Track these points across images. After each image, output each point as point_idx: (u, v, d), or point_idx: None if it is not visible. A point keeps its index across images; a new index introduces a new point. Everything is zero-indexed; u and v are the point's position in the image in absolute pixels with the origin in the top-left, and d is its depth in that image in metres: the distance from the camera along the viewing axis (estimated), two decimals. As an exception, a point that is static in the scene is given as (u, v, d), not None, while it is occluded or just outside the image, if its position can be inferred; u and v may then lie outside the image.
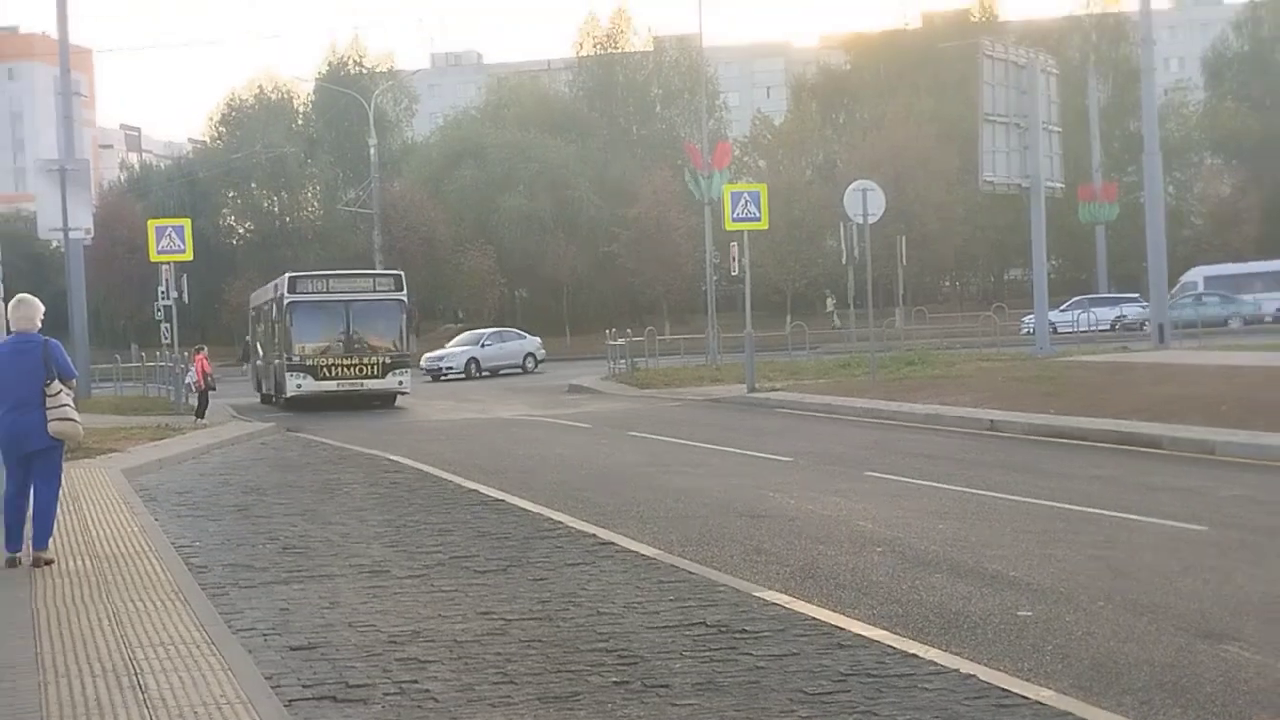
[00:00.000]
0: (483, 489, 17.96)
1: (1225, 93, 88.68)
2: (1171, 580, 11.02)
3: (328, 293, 36.45)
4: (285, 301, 35.42)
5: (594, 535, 13.84)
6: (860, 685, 8.15)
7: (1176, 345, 42.04)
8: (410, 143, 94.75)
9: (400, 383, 36.18)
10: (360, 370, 35.13)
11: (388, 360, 35.50)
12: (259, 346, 43.73)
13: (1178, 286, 61.25)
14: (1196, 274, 62.07)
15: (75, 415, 12.14)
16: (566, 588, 11.34)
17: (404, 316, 36.93)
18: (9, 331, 12.58)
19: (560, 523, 14.84)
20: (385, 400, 36.50)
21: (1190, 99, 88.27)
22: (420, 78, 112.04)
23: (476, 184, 78.00)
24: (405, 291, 37.06)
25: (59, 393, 11.84)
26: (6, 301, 13.43)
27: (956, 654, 8.77)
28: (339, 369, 34.90)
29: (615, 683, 8.38)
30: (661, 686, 8.26)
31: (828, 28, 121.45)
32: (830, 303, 63.21)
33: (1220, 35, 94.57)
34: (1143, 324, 51.78)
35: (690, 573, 11.72)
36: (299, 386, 34.84)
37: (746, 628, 9.68)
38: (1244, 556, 11.98)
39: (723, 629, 9.66)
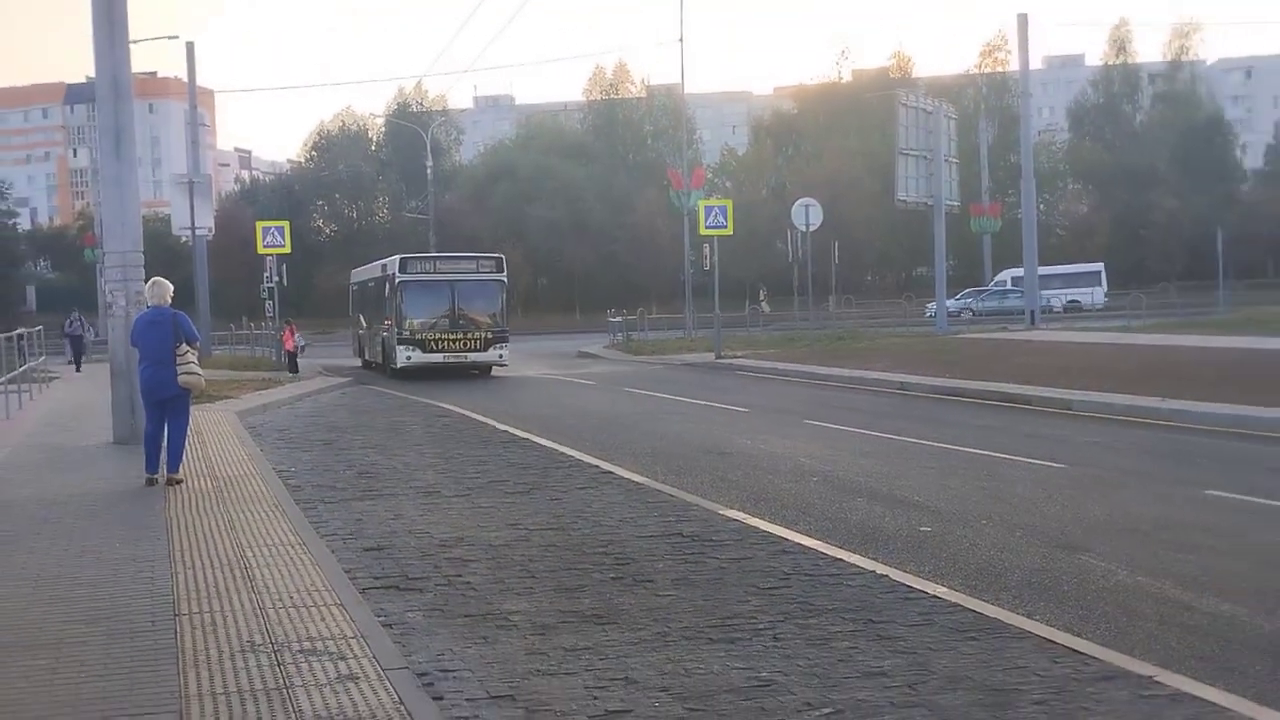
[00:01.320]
0: (512, 430, 17.97)
1: (1084, 135, 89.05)
2: (1038, 505, 11.06)
3: (435, 273, 32.09)
4: (396, 280, 30.76)
5: (597, 466, 13.87)
6: (800, 581, 8.20)
7: (1043, 327, 42.17)
8: (458, 165, 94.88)
9: (500, 355, 31.13)
10: (465, 344, 30.49)
11: (489, 335, 30.80)
12: (361, 318, 38.89)
13: (992, 283, 61.74)
14: (1006, 275, 62.51)
15: (199, 370, 12.34)
16: (575, 506, 11.36)
17: (503, 295, 32.04)
18: (148, 305, 12.68)
19: (571, 456, 14.87)
20: (483, 370, 31.82)
21: (1057, 139, 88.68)
22: (466, 115, 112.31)
23: (510, 197, 78.01)
24: (505, 273, 32.33)
25: (186, 353, 12.05)
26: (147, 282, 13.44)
27: (873, 559, 8.84)
28: (445, 342, 30.27)
29: (613, 578, 8.42)
30: (648, 581, 8.31)
31: (780, 80, 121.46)
32: (762, 293, 63.06)
33: (1081, 90, 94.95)
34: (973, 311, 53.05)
35: (670, 495, 11.76)
36: (409, 358, 30.14)
37: (713, 537, 9.71)
38: (1094, 488, 12.02)
39: (695, 538, 9.69)
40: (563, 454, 15.16)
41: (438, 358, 30.38)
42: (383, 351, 33.02)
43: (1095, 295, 61.66)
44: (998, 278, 62.71)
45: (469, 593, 8.08)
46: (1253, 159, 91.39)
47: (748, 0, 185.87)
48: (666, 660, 6.51)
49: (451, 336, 30.46)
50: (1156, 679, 6.04)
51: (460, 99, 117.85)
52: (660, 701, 5.88)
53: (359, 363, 38.34)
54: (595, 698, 5.95)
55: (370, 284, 36.92)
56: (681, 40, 40.74)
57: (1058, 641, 6.71)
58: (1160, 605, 7.64)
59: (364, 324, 38.10)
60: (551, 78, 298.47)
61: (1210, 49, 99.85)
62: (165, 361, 11.97)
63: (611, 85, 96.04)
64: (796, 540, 9.51)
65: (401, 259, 31.86)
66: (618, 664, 6.47)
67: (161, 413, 12.21)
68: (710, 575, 8.44)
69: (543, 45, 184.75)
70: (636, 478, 12.90)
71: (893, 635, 6.88)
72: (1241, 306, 51.78)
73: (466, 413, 21.05)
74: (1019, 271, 61.41)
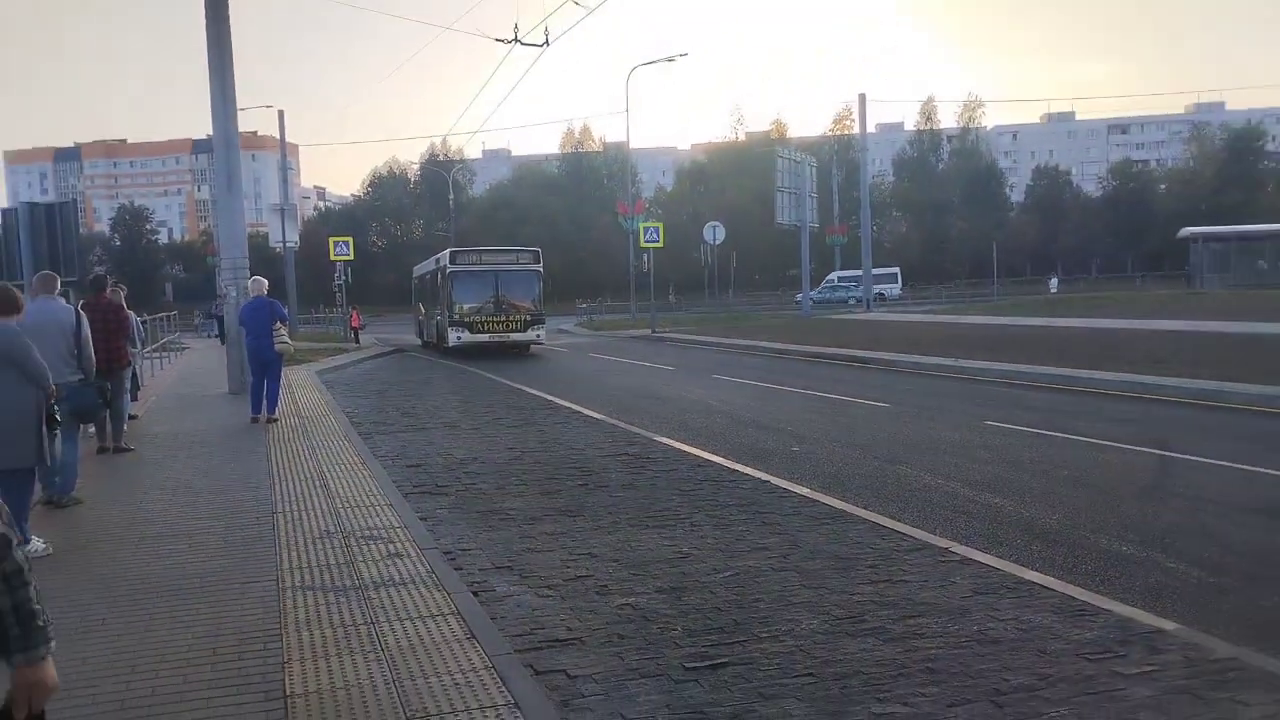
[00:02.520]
0: (509, 382, 17.85)
1: (904, 178, 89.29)
2: (872, 432, 11.14)
3: (481, 264, 26.73)
4: (447, 270, 26.11)
5: (569, 408, 13.82)
6: (709, 485, 8.23)
7: (876, 311, 42.46)
8: (471, 198, 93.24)
9: (538, 335, 26.44)
10: (507, 325, 25.82)
11: (528, 318, 26.09)
12: (421, 305, 34.02)
13: (825, 280, 61.80)
14: (833, 275, 62.61)
15: (289, 341, 12.36)
16: (554, 435, 11.33)
17: (539, 283, 26.80)
18: (250, 296, 12.55)
19: (552, 400, 14.80)
20: (522, 349, 26.86)
21: (885, 181, 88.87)
22: (477, 163, 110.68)
23: (508, 221, 76.91)
24: (541, 264, 27.07)
25: (279, 329, 12.00)
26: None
27: (759, 470, 8.86)
28: (490, 324, 25.71)
29: (580, 485, 8.41)
30: (604, 486, 8.30)
31: (696, 138, 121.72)
32: (671, 289, 62.90)
33: (901, 147, 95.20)
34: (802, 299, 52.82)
35: (621, 427, 11.74)
36: (459, 338, 25.62)
37: (650, 456, 9.71)
38: (909, 420, 12.13)
39: (637, 457, 9.69)
40: (545, 399, 15.09)
41: (484, 337, 25.76)
42: (437, 333, 28.35)
43: (894, 290, 61.82)
44: (828, 278, 62.83)
45: (480, 496, 8.05)
46: (1017, 195, 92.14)
47: (675, 80, 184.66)
48: (617, 540, 6.53)
49: (495, 319, 25.89)
50: (951, 549, 6.13)
51: (473, 151, 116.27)
52: (612, 568, 5.89)
53: (419, 343, 33.42)
54: (567, 566, 5.95)
55: (426, 276, 32.10)
56: (627, 111, 40.65)
57: (884, 524, 6.78)
58: (953, 499, 7.74)
59: (423, 311, 33.33)
60: (537, 136, 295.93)
61: (989, 119, 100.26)
62: (265, 334, 12.05)
63: (578, 142, 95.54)
64: (707, 457, 9.55)
65: (451, 252, 27.30)
66: (583, 543, 6.47)
67: (263, 371, 12.14)
68: (648, 482, 8.46)
69: (531, 110, 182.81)
70: (597, 415, 12.88)
71: (772, 522, 6.93)
72: (1007, 297, 52.51)
73: (476, 371, 20.89)
74: (844, 272, 62.32)
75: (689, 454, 9.76)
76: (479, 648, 4.40)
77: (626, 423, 12.15)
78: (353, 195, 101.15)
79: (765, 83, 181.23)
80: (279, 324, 12.16)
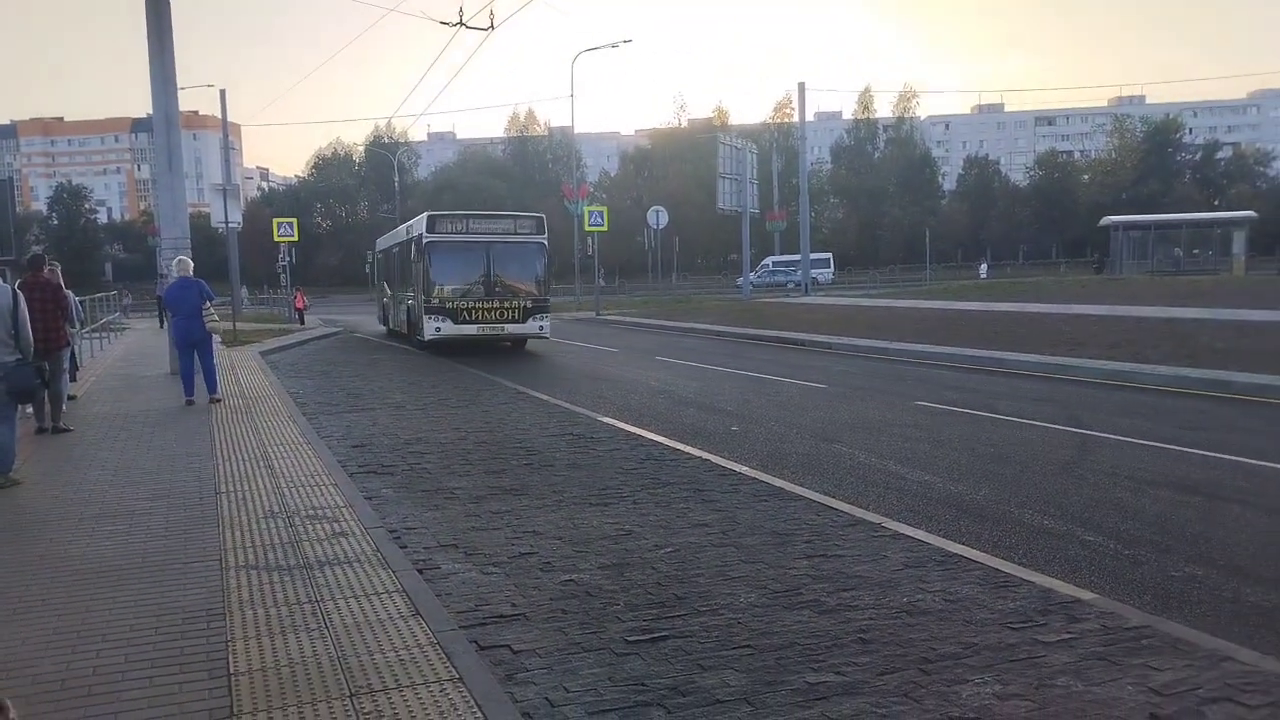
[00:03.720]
0: (455, 363, 17.69)
1: (841, 166, 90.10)
2: (807, 411, 11.28)
3: (468, 234, 20.33)
4: (424, 241, 19.99)
5: (515, 388, 13.73)
6: (651, 464, 8.25)
7: (812, 295, 42.88)
8: (416, 180, 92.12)
9: (541, 327, 20.51)
10: (501, 314, 19.95)
11: (529, 304, 20.22)
12: (386, 285, 28.00)
13: (760, 265, 62.29)
14: (769, 260, 63.20)
15: (218, 320, 12.14)
16: (499, 415, 11.26)
17: (544, 260, 20.90)
18: (176, 276, 12.20)
19: (497, 381, 14.71)
20: (518, 344, 21.18)
21: (823, 169, 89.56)
22: (422, 145, 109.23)
23: (453, 205, 75.39)
24: (546, 235, 21.00)
25: (208, 308, 11.76)
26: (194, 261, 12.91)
27: (700, 449, 8.92)
28: (480, 312, 19.82)
29: (525, 464, 8.38)
30: (549, 466, 8.28)
31: (640, 124, 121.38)
32: (601, 273, 63.08)
33: (839, 136, 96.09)
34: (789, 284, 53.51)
35: (565, 408, 11.71)
36: (438, 330, 19.69)
37: (594, 436, 9.71)
38: (844, 400, 12.30)
39: (581, 436, 9.68)
40: (490, 380, 14.98)
41: (471, 329, 19.71)
42: (409, 321, 22.36)
43: (826, 274, 62.42)
44: (763, 262, 63.23)
45: (425, 475, 7.97)
46: (949, 184, 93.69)
47: (620, 66, 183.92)
48: (561, 518, 6.52)
49: (486, 306, 19.83)
50: (883, 525, 6.23)
51: (418, 133, 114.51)
52: (556, 545, 5.89)
53: (384, 330, 28.13)
54: (512, 544, 5.94)
55: (395, 249, 25.70)
56: (572, 96, 40.26)
57: (820, 501, 6.87)
58: (885, 476, 7.88)
59: (389, 292, 27.30)
60: (482, 119, 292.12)
61: (923, 109, 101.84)
62: (194, 315, 11.75)
63: (524, 126, 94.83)
64: (650, 437, 9.57)
65: (429, 217, 20.27)
66: (527, 521, 6.46)
67: (192, 352, 11.88)
68: (591, 461, 8.46)
69: (477, 94, 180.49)
70: (542, 396, 12.82)
71: (712, 499, 6.99)
72: (939, 282, 53.37)
73: (421, 352, 20.67)
74: (779, 257, 62.78)
75: (632, 434, 9.77)
76: (424, 624, 4.38)
77: (571, 403, 12.11)
78: (297, 176, 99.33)
79: (708, 70, 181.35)
80: (208, 303, 11.89)
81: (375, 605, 4.63)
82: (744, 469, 7.97)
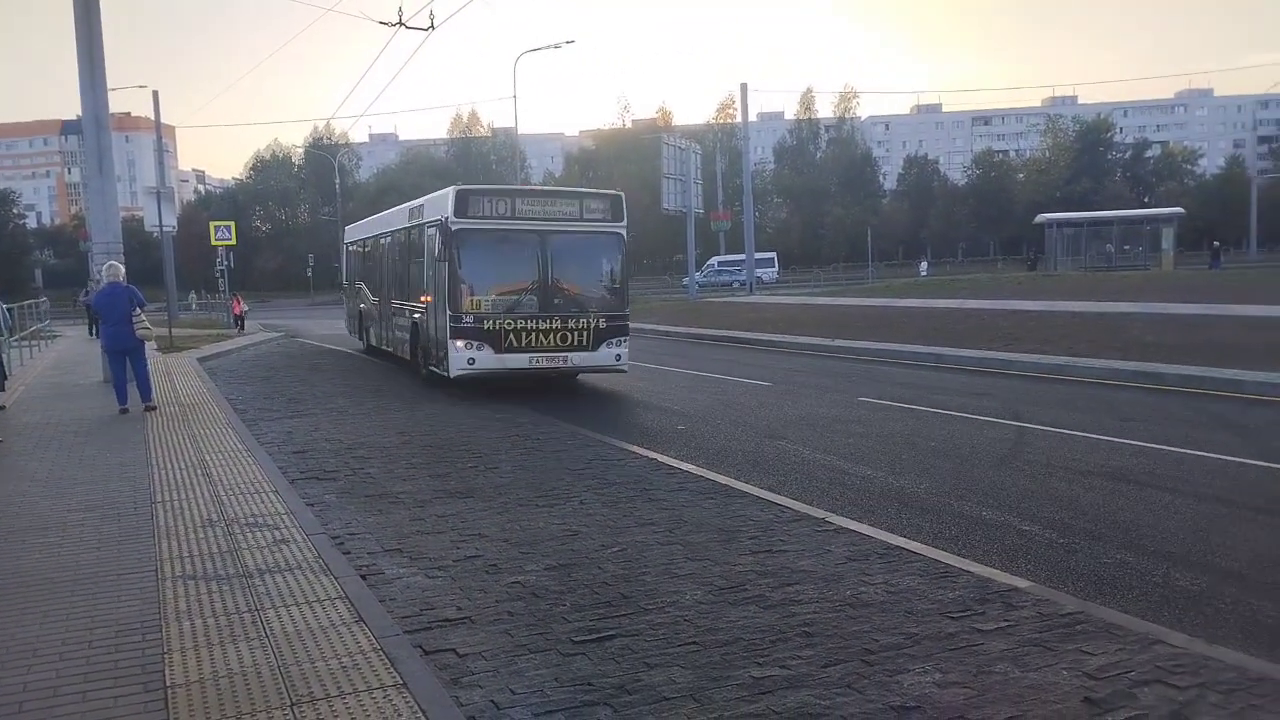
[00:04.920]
0: (397, 367, 17.48)
1: (784, 166, 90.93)
2: (753, 409, 11.36)
3: (514, 218, 13.27)
4: (452, 229, 12.99)
5: (459, 390, 13.62)
6: (598, 464, 8.25)
7: (758, 295, 43.20)
8: (358, 183, 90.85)
9: (618, 357, 13.50)
10: (563, 337, 13.17)
11: (601, 323, 13.32)
12: (364, 288, 20.60)
13: (706, 265, 62.61)
14: (714, 260, 63.28)
15: (149, 327, 11.75)
16: (444, 417, 11.17)
17: (622, 256, 14.01)
18: (105, 282, 11.81)
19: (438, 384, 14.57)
20: (567, 376, 14.32)
21: (767, 169, 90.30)
22: (364, 146, 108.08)
23: (394, 206, 75.46)
24: (625, 221, 14.06)
25: (139, 315, 11.41)
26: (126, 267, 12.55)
27: (647, 449, 8.94)
28: (533, 335, 13.06)
29: (470, 466, 8.32)
30: (495, 468, 8.24)
31: (584, 125, 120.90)
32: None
33: (782, 136, 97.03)
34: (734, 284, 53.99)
35: (509, 409, 11.63)
36: (471, 363, 12.90)
37: (540, 437, 9.68)
38: (789, 397, 12.41)
39: (528, 438, 9.64)
40: (429, 387, 14.83)
41: (520, 360, 13.05)
42: (417, 345, 15.30)
43: (771, 273, 62.70)
44: (709, 262, 63.44)
45: (369, 480, 7.87)
46: (890, 183, 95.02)
47: (564, 67, 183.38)
48: (507, 520, 6.49)
49: (543, 326, 13.08)
50: (828, 519, 6.30)
51: (359, 135, 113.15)
52: (502, 547, 5.85)
53: (361, 345, 21.38)
54: (458, 547, 5.89)
55: (384, 240, 18.49)
56: (515, 97, 40.05)
57: (764, 497, 6.93)
58: (829, 472, 7.97)
59: (370, 296, 19.83)
60: (425, 121, 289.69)
61: (864, 109, 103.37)
62: (124, 321, 11.37)
63: (467, 127, 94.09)
64: (597, 437, 9.56)
65: (459, 194, 13.26)
66: (473, 524, 6.41)
67: (123, 359, 11.52)
68: (538, 463, 8.42)
69: (419, 95, 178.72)
70: (487, 396, 12.72)
71: (659, 498, 7.00)
72: (881, 280, 54.10)
73: (362, 355, 20.37)
74: (725, 257, 63.18)
75: (578, 434, 9.75)
76: (367, 630, 4.32)
77: (516, 404, 12.05)
78: (235, 179, 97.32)
79: (652, 71, 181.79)
80: (138, 310, 11.57)
81: (317, 612, 4.56)
82: (690, 467, 8.00)
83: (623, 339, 13.51)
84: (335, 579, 5.04)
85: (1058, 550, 5.81)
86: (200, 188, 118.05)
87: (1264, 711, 3.57)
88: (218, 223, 30.98)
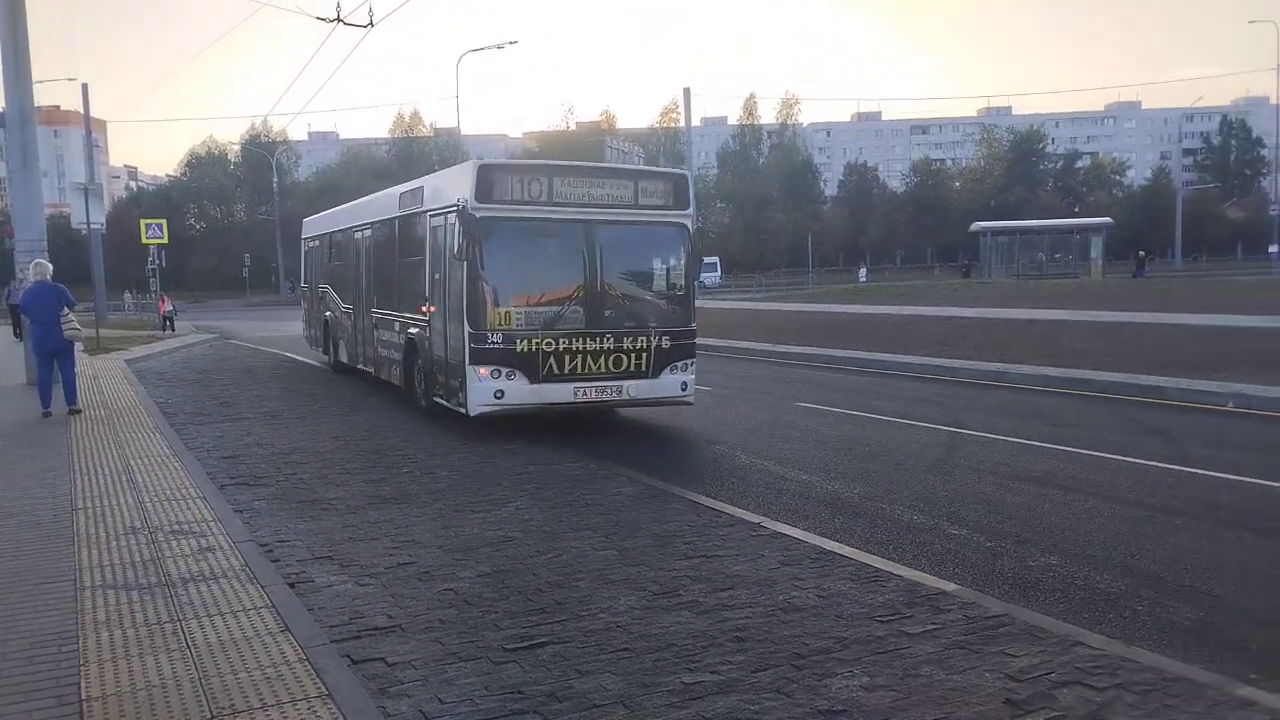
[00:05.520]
0: (330, 371, 17.19)
1: (727, 171, 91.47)
2: (693, 415, 11.37)
3: (552, 203, 9.51)
4: (475, 218, 9.24)
5: (397, 399, 13.44)
6: (535, 471, 8.21)
7: (701, 299, 43.28)
8: (296, 182, 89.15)
9: (684, 385, 10.07)
10: (618, 361, 9.61)
11: (665, 342, 9.83)
12: (330, 291, 16.57)
13: None
14: None
15: (79, 327, 11.36)
16: (381, 424, 11.02)
17: (688, 252, 10.24)
18: (32, 281, 11.43)
19: (379, 390, 14.35)
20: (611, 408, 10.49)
21: (710, 173, 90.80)
22: (303, 145, 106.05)
23: (333, 206, 74.27)
24: (692, 210, 10.25)
25: (68, 315, 11.03)
26: (52, 265, 12.14)
27: (584, 455, 8.89)
28: (578, 359, 9.48)
29: (406, 472, 8.23)
30: (430, 473, 8.17)
31: (528, 126, 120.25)
32: None
33: (725, 141, 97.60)
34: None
35: (447, 414, 11.51)
36: (500, 395, 9.39)
37: (478, 443, 9.58)
38: (729, 402, 12.50)
39: (465, 444, 9.54)
40: (372, 388, 14.62)
41: (563, 392, 9.67)
42: (413, 368, 11.80)
43: (714, 278, 62.96)
44: None
45: (301, 486, 7.72)
46: (830, 190, 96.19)
47: (508, 69, 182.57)
48: (442, 527, 6.42)
49: (591, 347, 9.66)
50: (762, 524, 6.35)
51: (298, 132, 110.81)
52: (435, 554, 5.79)
53: (327, 359, 17.49)
54: (390, 554, 5.81)
55: (360, 234, 14.73)
56: (457, 97, 39.69)
57: (700, 502, 6.95)
58: (765, 476, 8.04)
59: (341, 303, 15.91)
60: (366, 120, 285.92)
61: (805, 116, 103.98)
62: (52, 322, 10.98)
63: (409, 126, 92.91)
64: (535, 444, 9.50)
65: (481, 170, 9.60)
66: (407, 530, 6.33)
67: (51, 361, 11.15)
68: (475, 468, 8.35)
69: (360, 93, 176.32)
70: (425, 403, 12.56)
71: (596, 504, 6.99)
72: (821, 286, 54.80)
73: (298, 358, 19.99)
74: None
75: (517, 441, 9.69)
76: (293, 640, 4.24)
77: (453, 410, 11.92)
78: (168, 176, 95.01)
79: (596, 74, 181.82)
80: (67, 309, 11.20)
81: (242, 622, 4.46)
82: (628, 472, 7.99)
83: (689, 362, 10.35)
84: (262, 587, 4.94)
85: (985, 554, 5.93)
86: (132, 184, 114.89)
87: (1179, 712, 3.68)
88: (149, 220, 30.12)
